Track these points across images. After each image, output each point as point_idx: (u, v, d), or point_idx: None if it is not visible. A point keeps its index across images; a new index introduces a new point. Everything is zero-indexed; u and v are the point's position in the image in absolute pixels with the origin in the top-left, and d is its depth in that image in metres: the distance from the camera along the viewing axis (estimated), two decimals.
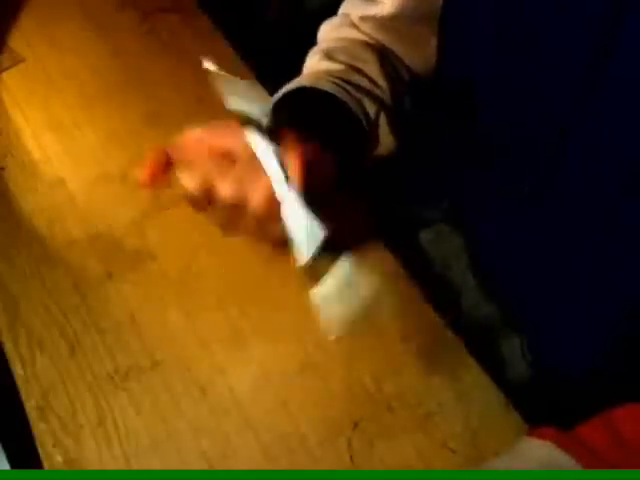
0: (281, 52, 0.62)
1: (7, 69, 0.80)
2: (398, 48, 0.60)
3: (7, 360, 0.58)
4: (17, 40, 0.83)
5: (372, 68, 0.57)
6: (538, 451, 0.44)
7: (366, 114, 0.55)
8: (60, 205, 0.68)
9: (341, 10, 0.63)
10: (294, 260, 0.49)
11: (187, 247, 0.64)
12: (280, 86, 0.58)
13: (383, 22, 0.58)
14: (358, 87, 0.55)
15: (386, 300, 0.60)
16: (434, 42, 0.56)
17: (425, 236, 0.69)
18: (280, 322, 0.59)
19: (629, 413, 0.44)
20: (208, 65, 0.49)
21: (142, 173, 0.51)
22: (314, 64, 0.58)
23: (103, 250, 0.65)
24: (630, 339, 0.50)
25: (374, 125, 0.56)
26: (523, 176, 0.51)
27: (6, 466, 0.54)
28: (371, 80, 0.56)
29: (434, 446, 0.53)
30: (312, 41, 0.64)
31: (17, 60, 0.81)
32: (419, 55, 0.60)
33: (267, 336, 0.59)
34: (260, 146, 0.47)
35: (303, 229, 0.47)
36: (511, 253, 0.58)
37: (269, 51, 0.82)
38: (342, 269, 0.48)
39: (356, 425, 0.54)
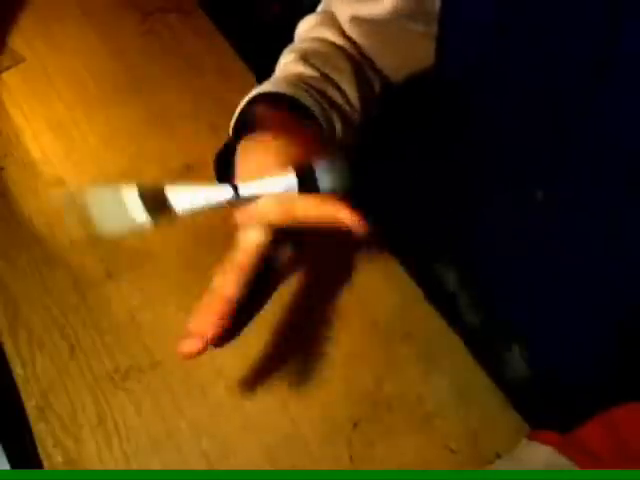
0: (281, 52, 0.62)
1: (7, 69, 0.80)
2: (381, 54, 0.59)
3: (7, 360, 0.58)
4: (17, 40, 0.83)
5: (346, 81, 0.56)
6: (540, 456, 0.44)
7: (332, 129, 0.54)
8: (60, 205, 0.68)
9: (324, 6, 0.62)
10: None
11: (187, 247, 0.64)
12: None
13: (375, 24, 0.58)
14: (331, 102, 0.54)
15: (387, 300, 0.60)
16: (424, 44, 0.55)
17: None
18: (280, 322, 0.59)
19: (629, 413, 0.44)
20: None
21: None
22: (289, 64, 0.56)
23: (103, 250, 0.65)
24: (629, 339, 0.50)
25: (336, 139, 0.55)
26: (521, 177, 0.51)
27: (6, 466, 0.54)
28: (344, 96, 0.56)
29: (434, 446, 0.53)
30: None
31: (17, 60, 0.81)
32: (401, 62, 0.60)
33: (267, 336, 0.59)
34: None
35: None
36: (508, 253, 0.58)
37: (269, 51, 0.82)
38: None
39: (356, 425, 0.54)
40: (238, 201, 0.43)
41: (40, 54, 0.82)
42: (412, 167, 0.67)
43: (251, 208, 0.43)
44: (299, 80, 0.54)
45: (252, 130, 0.47)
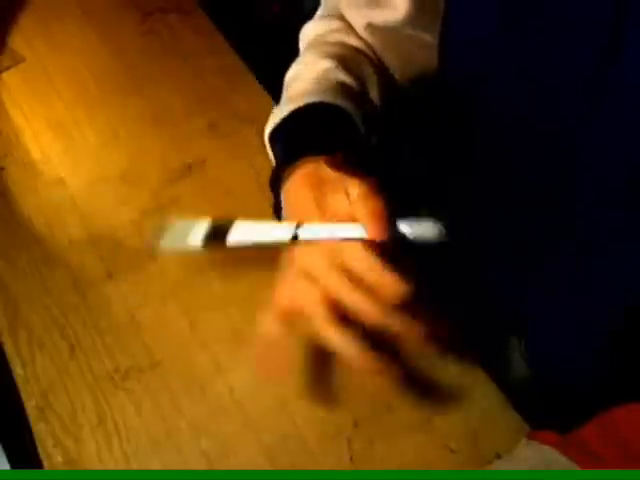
0: (281, 52, 0.62)
1: (7, 69, 0.80)
2: (390, 59, 0.60)
3: (7, 360, 0.58)
4: (17, 40, 0.83)
5: (373, 88, 0.57)
6: (541, 456, 0.44)
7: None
8: (60, 205, 0.68)
9: (328, 11, 0.62)
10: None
11: None
12: (280, 86, 0.58)
13: (389, 31, 0.58)
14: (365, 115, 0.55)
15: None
16: (432, 54, 0.55)
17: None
18: None
19: (629, 413, 0.44)
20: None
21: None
22: (333, 72, 0.55)
23: (103, 250, 0.65)
24: (629, 339, 0.50)
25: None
26: (524, 182, 0.51)
27: (6, 466, 0.54)
28: (371, 103, 0.57)
29: (434, 446, 0.53)
30: None
31: (17, 60, 0.81)
32: (409, 69, 0.60)
33: None
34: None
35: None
36: (511, 254, 0.58)
37: (269, 51, 0.82)
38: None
39: (356, 425, 0.54)
40: (296, 242, 0.43)
41: (40, 54, 0.82)
42: (413, 171, 0.67)
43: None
44: (345, 90, 0.54)
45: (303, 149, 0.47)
